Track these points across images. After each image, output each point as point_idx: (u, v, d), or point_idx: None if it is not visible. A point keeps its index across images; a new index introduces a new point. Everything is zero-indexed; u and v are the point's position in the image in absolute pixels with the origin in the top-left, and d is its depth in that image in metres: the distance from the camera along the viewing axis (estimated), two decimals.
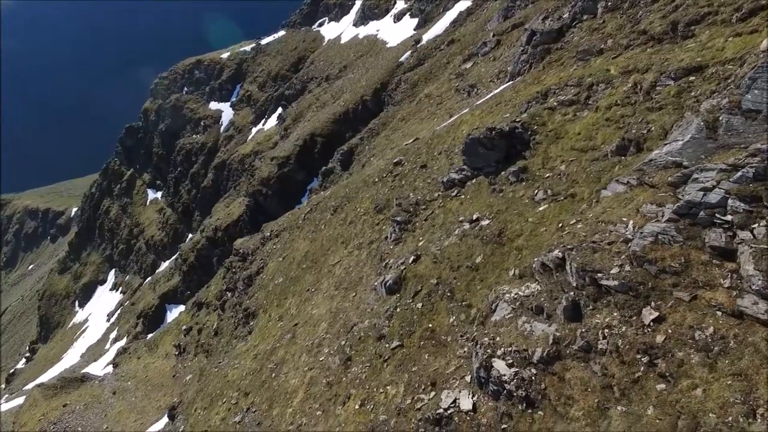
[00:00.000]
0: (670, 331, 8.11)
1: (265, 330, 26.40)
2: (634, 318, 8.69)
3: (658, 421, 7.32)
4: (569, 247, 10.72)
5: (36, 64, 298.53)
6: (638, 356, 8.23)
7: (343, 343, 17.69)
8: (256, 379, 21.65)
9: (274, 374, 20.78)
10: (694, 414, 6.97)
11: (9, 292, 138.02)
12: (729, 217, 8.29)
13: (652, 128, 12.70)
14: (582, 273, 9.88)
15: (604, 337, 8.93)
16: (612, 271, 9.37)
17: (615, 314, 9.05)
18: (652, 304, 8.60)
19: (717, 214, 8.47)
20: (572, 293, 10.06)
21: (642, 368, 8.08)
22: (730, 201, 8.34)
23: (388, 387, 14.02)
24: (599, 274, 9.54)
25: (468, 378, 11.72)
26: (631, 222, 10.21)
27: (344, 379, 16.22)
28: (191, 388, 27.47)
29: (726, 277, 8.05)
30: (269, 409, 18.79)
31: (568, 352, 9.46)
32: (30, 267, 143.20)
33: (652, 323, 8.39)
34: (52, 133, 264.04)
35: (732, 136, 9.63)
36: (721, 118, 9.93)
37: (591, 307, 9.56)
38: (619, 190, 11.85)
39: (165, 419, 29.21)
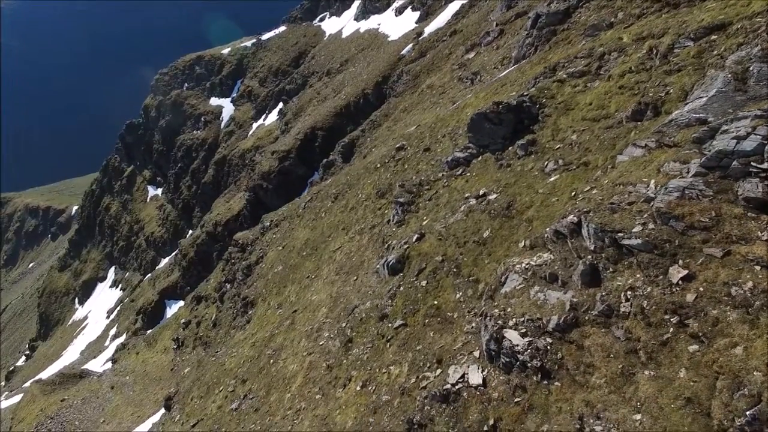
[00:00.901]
0: (701, 289, 7.40)
1: (264, 318, 25.72)
2: (661, 278, 7.97)
3: (692, 383, 6.61)
4: (585, 210, 10.02)
5: (37, 64, 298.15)
6: (666, 317, 7.52)
7: (343, 325, 17.00)
8: (254, 366, 20.96)
9: (272, 360, 20.09)
10: (735, 373, 6.26)
11: (10, 289, 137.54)
12: (766, 165, 7.58)
13: (671, 90, 12.00)
14: (601, 234, 9.17)
15: (627, 300, 8.22)
16: (634, 230, 8.66)
17: (638, 275, 8.34)
18: (680, 262, 7.89)
19: (753, 163, 7.76)
20: (590, 257, 9.35)
21: (671, 329, 7.37)
22: None
23: (391, 367, 13.32)
24: (620, 234, 8.83)
25: (477, 353, 11.01)
26: (652, 181, 9.50)
27: (345, 361, 15.53)
28: (188, 378, 26.80)
29: (764, 230, 7.34)
30: (267, 395, 18.10)
31: (586, 318, 8.75)
32: (30, 265, 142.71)
33: (680, 282, 7.68)
34: (54, 133, 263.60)
35: (765, 86, 8.92)
36: (751, 69, 9.22)
37: (611, 270, 8.85)
38: (636, 153, 11.14)
39: (162, 411, 28.52)
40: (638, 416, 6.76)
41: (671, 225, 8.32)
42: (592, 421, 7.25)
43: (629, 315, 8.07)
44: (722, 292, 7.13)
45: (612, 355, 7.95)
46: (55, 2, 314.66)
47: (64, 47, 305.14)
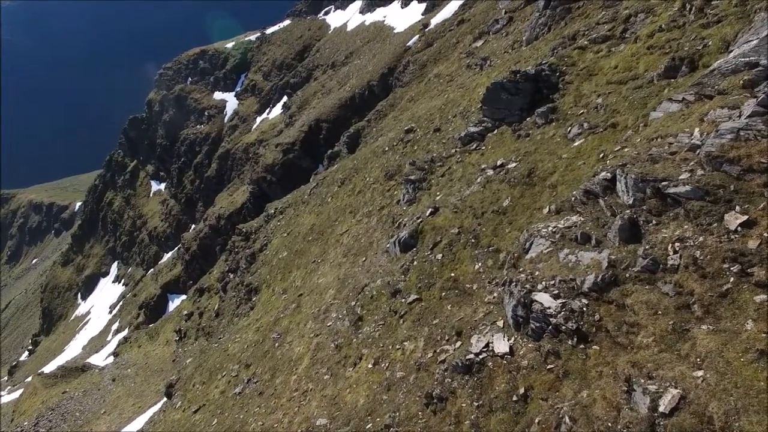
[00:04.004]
0: (766, 234, 6.56)
1: (269, 304, 24.96)
2: (715, 225, 7.14)
3: (764, 335, 5.78)
4: (621, 164, 9.20)
5: (41, 61, 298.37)
6: (725, 266, 6.68)
7: (353, 304, 16.19)
8: (258, 350, 20.19)
9: (277, 344, 19.31)
10: None
11: (13, 285, 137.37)
12: None
13: (710, 43, 11.14)
14: (641, 185, 8.34)
15: (675, 252, 7.38)
16: (681, 177, 7.83)
17: (687, 225, 7.51)
18: (738, 208, 7.06)
19: None
20: (628, 212, 8.52)
21: (732, 279, 6.54)
22: None
23: (405, 343, 12.51)
24: (664, 183, 8.00)
25: (500, 323, 10.18)
26: (696, 130, 8.67)
27: (355, 340, 14.73)
28: (190, 366, 26.08)
29: None
30: (272, 379, 17.31)
31: (627, 275, 7.92)
32: (34, 261, 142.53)
33: (739, 228, 6.84)
34: (58, 130, 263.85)
35: None
36: None
37: (654, 222, 8.02)
38: (672, 108, 10.31)
39: (163, 400, 27.78)
40: (700, 372, 5.93)
41: (724, 170, 7.48)
42: (643, 381, 6.42)
43: (679, 268, 7.24)
44: None
45: (660, 312, 7.12)
46: (59, 2, 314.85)
47: (68, 44, 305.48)
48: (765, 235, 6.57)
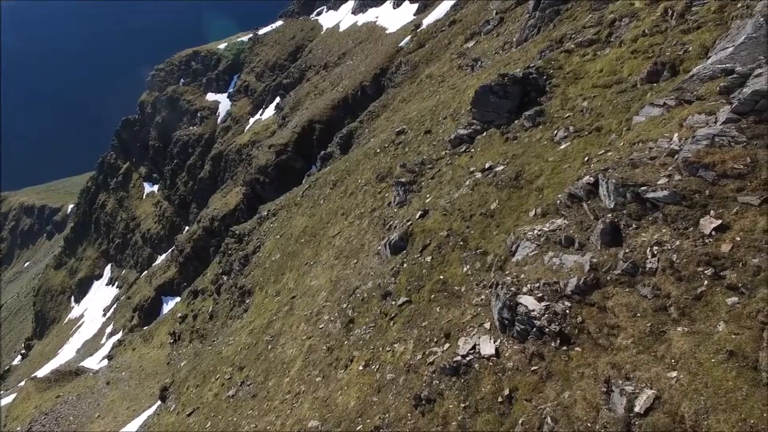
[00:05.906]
0: (738, 238, 6.78)
1: (262, 306, 25.06)
2: (691, 230, 7.36)
3: (734, 336, 5.99)
4: (603, 168, 9.41)
5: (35, 62, 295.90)
6: (699, 269, 6.90)
7: (344, 306, 16.35)
8: (252, 353, 20.30)
9: (270, 346, 19.43)
10: None
11: (5, 289, 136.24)
12: None
13: (690, 48, 11.38)
14: (622, 190, 8.56)
15: (654, 255, 7.59)
16: (659, 182, 8.04)
17: (665, 230, 7.72)
18: (712, 212, 7.28)
19: None
20: (609, 216, 8.73)
21: (706, 282, 6.75)
22: None
23: (395, 345, 12.68)
24: (643, 188, 8.21)
25: (487, 325, 10.38)
26: (675, 135, 8.90)
27: (346, 342, 14.88)
28: (184, 369, 26.14)
29: None
30: (265, 381, 17.44)
31: (608, 278, 8.13)
32: (26, 264, 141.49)
33: (714, 233, 7.06)
34: (51, 132, 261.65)
35: None
36: None
37: (634, 227, 8.23)
38: (654, 113, 10.54)
39: (158, 403, 27.81)
40: (674, 373, 6.14)
41: (700, 175, 7.71)
42: (621, 382, 6.62)
43: (656, 271, 7.46)
44: (763, 240, 6.52)
45: (639, 314, 7.33)
46: (54, 1, 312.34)
47: (62, 46, 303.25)
48: (737, 239, 6.79)
